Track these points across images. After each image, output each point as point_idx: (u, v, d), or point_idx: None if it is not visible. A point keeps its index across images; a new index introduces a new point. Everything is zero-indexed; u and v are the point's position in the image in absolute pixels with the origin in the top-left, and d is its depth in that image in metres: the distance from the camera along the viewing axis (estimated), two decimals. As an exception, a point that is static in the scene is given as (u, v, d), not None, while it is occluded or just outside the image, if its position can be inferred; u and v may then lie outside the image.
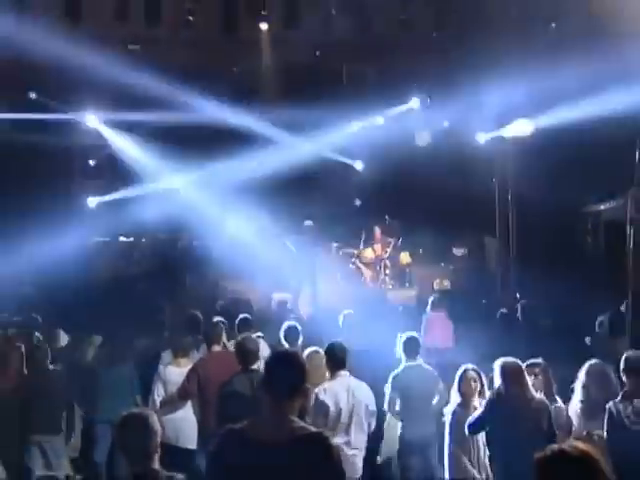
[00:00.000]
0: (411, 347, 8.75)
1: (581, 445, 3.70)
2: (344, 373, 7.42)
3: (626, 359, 6.82)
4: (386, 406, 8.48)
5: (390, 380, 8.55)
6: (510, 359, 7.12)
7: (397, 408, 8.45)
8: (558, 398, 7.48)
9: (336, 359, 7.46)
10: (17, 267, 16.26)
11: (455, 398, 7.74)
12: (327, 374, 7.48)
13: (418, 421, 8.37)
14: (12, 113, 19.06)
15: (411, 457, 8.50)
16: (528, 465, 6.28)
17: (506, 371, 7.03)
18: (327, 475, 4.03)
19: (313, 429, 4.25)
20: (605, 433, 6.51)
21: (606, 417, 6.50)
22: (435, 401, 8.48)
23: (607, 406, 6.56)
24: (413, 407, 8.40)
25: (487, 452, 7.48)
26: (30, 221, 16.87)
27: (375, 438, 8.09)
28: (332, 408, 7.15)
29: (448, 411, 7.78)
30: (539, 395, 7.14)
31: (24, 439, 8.53)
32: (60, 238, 16.63)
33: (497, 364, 7.12)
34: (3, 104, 18.98)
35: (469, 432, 7.29)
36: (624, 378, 6.73)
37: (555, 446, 3.73)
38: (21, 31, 14.82)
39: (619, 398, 6.61)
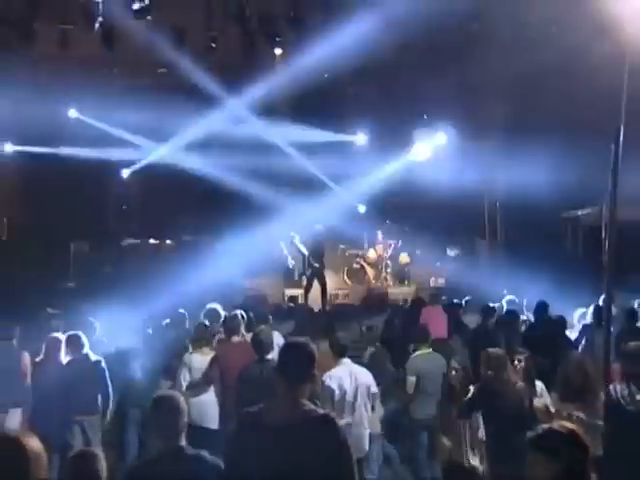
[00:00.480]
0: (420, 336, 8.81)
1: (568, 424, 3.75)
2: (346, 360, 7.48)
3: (624, 348, 6.81)
4: (407, 389, 8.54)
5: (407, 367, 8.60)
6: (494, 349, 7.14)
7: (411, 390, 8.47)
8: (539, 383, 7.47)
9: (339, 349, 7.50)
10: (61, 266, 16.40)
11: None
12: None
13: (428, 402, 8.39)
14: (56, 130, 19.19)
15: (420, 434, 8.52)
16: (514, 441, 6.33)
17: (491, 360, 7.05)
18: (335, 453, 4.03)
19: (322, 411, 4.27)
20: (604, 411, 6.50)
21: (605, 396, 6.51)
22: None
23: (609, 386, 6.58)
24: (424, 389, 8.43)
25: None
26: (72, 226, 16.98)
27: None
28: (337, 392, 7.19)
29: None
30: (520, 381, 7.16)
31: (66, 418, 8.60)
32: (97, 240, 16.75)
33: (483, 354, 7.14)
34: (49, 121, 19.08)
35: (459, 417, 7.29)
36: (624, 364, 6.72)
37: (546, 425, 3.79)
38: (64, 58, 14.90)
39: (619, 381, 6.61)
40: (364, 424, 7.42)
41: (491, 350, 7.13)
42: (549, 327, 10.14)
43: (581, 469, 3.59)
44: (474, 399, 7.10)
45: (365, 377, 7.50)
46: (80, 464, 4.63)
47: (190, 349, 9.04)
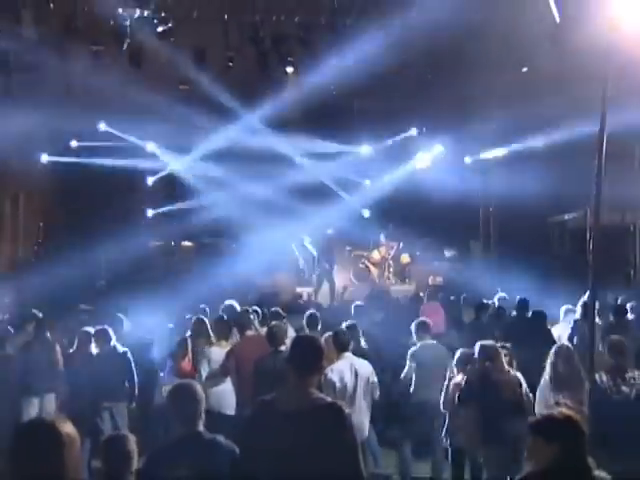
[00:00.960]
0: (422, 329, 8.78)
1: (566, 411, 3.77)
2: (348, 354, 7.42)
3: (610, 342, 6.77)
4: (403, 375, 8.49)
5: (409, 355, 8.55)
6: (488, 342, 7.10)
7: (413, 376, 8.43)
8: (518, 374, 7.41)
9: (341, 343, 7.47)
10: (92, 266, 16.44)
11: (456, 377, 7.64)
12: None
13: (428, 388, 8.36)
14: (87, 142, 19.29)
15: (419, 417, 8.49)
16: (508, 424, 6.34)
17: (486, 351, 7.02)
18: (341, 436, 4.02)
19: (330, 399, 4.27)
20: (588, 400, 6.45)
21: (592, 386, 6.47)
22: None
23: (596, 376, 6.54)
24: (426, 376, 8.38)
25: None
26: (102, 229, 16.99)
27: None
28: (338, 384, 7.13)
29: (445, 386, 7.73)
30: (512, 370, 7.13)
31: (96, 405, 8.62)
32: (125, 242, 16.77)
33: (477, 346, 7.11)
34: (80, 133, 19.17)
35: (460, 403, 7.23)
36: (609, 357, 6.69)
37: (545, 412, 3.82)
38: (95, 76, 14.98)
39: (604, 372, 6.58)
40: (364, 413, 7.39)
41: (484, 342, 7.11)
42: (530, 322, 10.09)
43: (577, 451, 3.60)
44: (472, 386, 7.04)
45: (365, 370, 7.44)
46: (114, 446, 4.65)
47: (189, 345, 9.11)
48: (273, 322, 8.35)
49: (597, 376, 6.47)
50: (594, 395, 6.31)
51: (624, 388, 6.35)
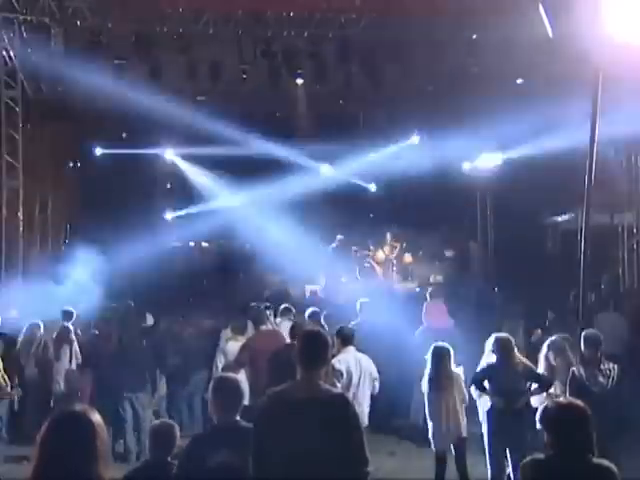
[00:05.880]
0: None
1: (565, 400, 3.81)
2: (351, 348, 7.47)
3: (584, 335, 6.76)
4: None
5: None
6: (503, 334, 7.02)
7: None
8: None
9: (345, 338, 7.51)
10: (115, 266, 16.47)
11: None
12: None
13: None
14: (110, 149, 19.37)
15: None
16: (517, 409, 6.37)
17: (500, 343, 6.94)
18: (347, 425, 4.04)
19: (336, 390, 4.29)
20: (569, 391, 6.43)
21: (570, 379, 6.45)
22: None
23: (572, 369, 6.51)
24: None
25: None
26: (124, 231, 17.04)
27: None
28: (345, 374, 7.17)
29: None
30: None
31: (119, 395, 8.66)
32: (145, 244, 16.80)
33: (492, 338, 7.03)
34: (103, 142, 19.24)
35: (476, 388, 7.15)
36: (584, 350, 6.66)
37: (556, 400, 3.86)
38: (118, 87, 15.03)
39: (580, 364, 6.56)
40: (365, 401, 7.41)
41: (498, 335, 7.03)
42: (530, 316, 10.11)
43: (574, 438, 3.57)
44: (488, 373, 6.99)
45: (367, 363, 7.49)
46: (160, 433, 4.93)
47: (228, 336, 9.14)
48: (285, 317, 8.39)
49: (574, 369, 6.46)
50: (574, 387, 6.31)
51: (601, 379, 6.34)
